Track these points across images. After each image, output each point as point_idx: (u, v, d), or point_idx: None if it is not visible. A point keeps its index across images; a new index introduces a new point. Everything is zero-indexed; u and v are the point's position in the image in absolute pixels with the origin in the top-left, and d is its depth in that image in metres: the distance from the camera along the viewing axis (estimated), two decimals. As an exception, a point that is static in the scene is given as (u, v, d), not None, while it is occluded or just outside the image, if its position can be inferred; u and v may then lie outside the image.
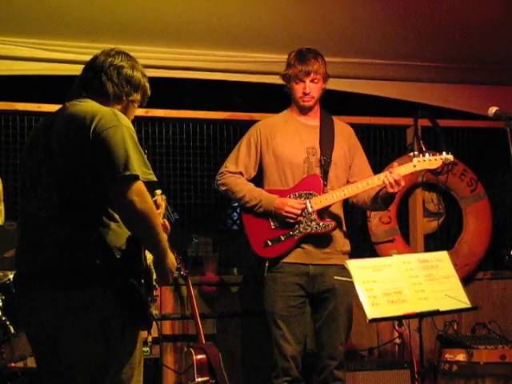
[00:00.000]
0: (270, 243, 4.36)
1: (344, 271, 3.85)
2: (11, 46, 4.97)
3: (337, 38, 5.00)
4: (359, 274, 3.65)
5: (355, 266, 3.69)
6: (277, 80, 5.59)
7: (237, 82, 5.65)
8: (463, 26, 5.11)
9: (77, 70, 4.98)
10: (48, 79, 5.27)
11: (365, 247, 5.78)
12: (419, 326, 3.82)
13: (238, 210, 6.67)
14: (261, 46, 5.34)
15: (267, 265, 4.35)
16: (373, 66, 5.50)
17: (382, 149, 5.85)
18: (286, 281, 4.34)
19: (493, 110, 3.76)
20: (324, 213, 4.37)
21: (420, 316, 3.71)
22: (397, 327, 5.36)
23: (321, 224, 4.31)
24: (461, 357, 5.13)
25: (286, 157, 4.40)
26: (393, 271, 3.70)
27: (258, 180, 4.55)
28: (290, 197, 4.35)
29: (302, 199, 4.33)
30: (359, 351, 5.36)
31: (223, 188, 4.52)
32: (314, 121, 4.50)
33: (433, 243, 5.93)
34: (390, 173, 4.20)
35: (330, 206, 4.35)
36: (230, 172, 4.49)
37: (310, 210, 4.31)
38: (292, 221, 4.31)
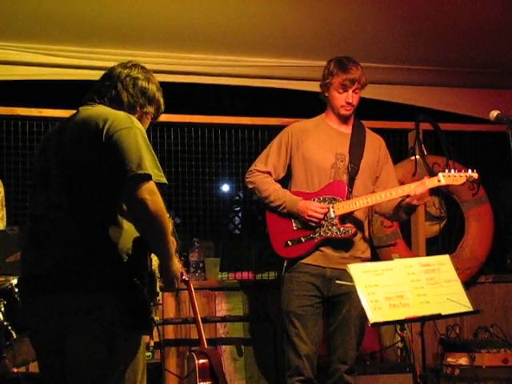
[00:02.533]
0: (290, 243, 4.41)
1: None
2: (12, 50, 4.98)
3: (337, 43, 5.00)
4: (361, 278, 3.64)
5: (357, 270, 3.68)
6: (278, 85, 5.63)
7: (238, 86, 5.66)
8: (465, 30, 5.11)
9: (78, 74, 5.09)
10: (49, 84, 5.28)
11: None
12: (421, 329, 3.81)
13: (239, 215, 6.67)
14: (262, 50, 5.34)
15: (285, 265, 4.39)
16: (374, 70, 5.49)
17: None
18: (301, 280, 4.36)
19: (494, 113, 3.75)
20: (346, 218, 4.39)
21: (422, 320, 3.70)
22: (399, 331, 5.37)
23: (341, 229, 4.34)
24: (463, 360, 5.13)
25: (314, 160, 4.43)
26: (395, 275, 3.69)
27: (285, 181, 4.60)
28: (314, 200, 4.38)
29: (326, 203, 4.36)
30: (361, 355, 5.35)
31: (250, 186, 4.58)
32: (346, 128, 4.53)
33: (434, 247, 5.92)
34: (416, 187, 4.24)
35: (352, 212, 4.38)
36: (259, 171, 4.55)
37: (333, 214, 4.34)
38: (313, 224, 4.35)
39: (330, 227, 4.34)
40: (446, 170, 4.33)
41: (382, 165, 4.57)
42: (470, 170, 4.32)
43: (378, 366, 5.16)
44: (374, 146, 4.56)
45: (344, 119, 4.51)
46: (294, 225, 4.43)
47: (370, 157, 4.50)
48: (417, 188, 4.24)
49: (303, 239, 4.39)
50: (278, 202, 4.43)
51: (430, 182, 4.30)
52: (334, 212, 4.34)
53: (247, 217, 6.56)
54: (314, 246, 4.36)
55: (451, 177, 4.29)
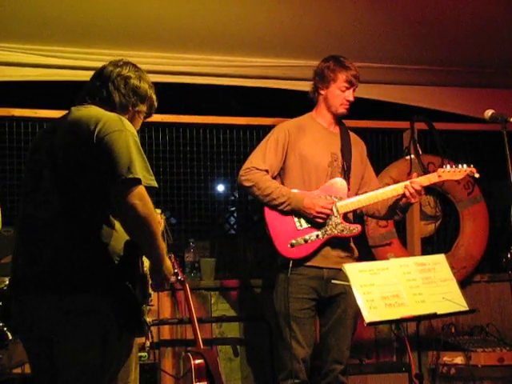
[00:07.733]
0: (295, 243, 4.29)
1: None
2: (7, 51, 4.97)
3: (333, 43, 5.01)
4: (357, 277, 3.64)
5: (353, 269, 3.69)
6: (273, 84, 5.63)
7: (233, 86, 5.65)
8: (459, 29, 5.11)
9: (73, 75, 5.08)
10: (44, 85, 5.27)
11: (362, 251, 5.77)
12: (417, 329, 3.82)
13: (235, 215, 6.66)
14: (257, 50, 5.34)
15: (291, 265, 4.24)
16: (369, 69, 5.50)
17: (378, 152, 5.86)
18: (300, 283, 4.29)
19: (489, 112, 3.77)
20: (346, 217, 4.39)
21: (418, 319, 3.70)
22: (394, 330, 5.38)
23: (347, 227, 4.31)
24: (459, 360, 5.14)
25: (311, 159, 4.37)
26: (390, 275, 3.69)
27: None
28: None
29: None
30: (357, 355, 5.35)
31: (248, 184, 4.37)
32: (334, 128, 4.51)
33: (430, 246, 5.92)
34: (411, 183, 4.25)
35: (355, 210, 4.38)
36: (257, 168, 4.37)
37: (336, 213, 4.29)
38: (321, 221, 4.26)
39: (335, 226, 4.29)
40: (444, 166, 4.38)
41: (365, 164, 4.58)
42: (465, 165, 4.38)
43: (373, 365, 5.17)
44: (358, 147, 4.57)
45: (337, 118, 4.48)
46: (297, 224, 4.32)
47: (356, 156, 4.50)
48: (414, 185, 4.23)
49: (309, 238, 4.30)
50: (282, 199, 4.28)
51: (431, 178, 4.34)
52: (337, 210, 4.29)
53: (243, 217, 6.55)
54: (320, 245, 4.30)
55: (450, 172, 4.35)
